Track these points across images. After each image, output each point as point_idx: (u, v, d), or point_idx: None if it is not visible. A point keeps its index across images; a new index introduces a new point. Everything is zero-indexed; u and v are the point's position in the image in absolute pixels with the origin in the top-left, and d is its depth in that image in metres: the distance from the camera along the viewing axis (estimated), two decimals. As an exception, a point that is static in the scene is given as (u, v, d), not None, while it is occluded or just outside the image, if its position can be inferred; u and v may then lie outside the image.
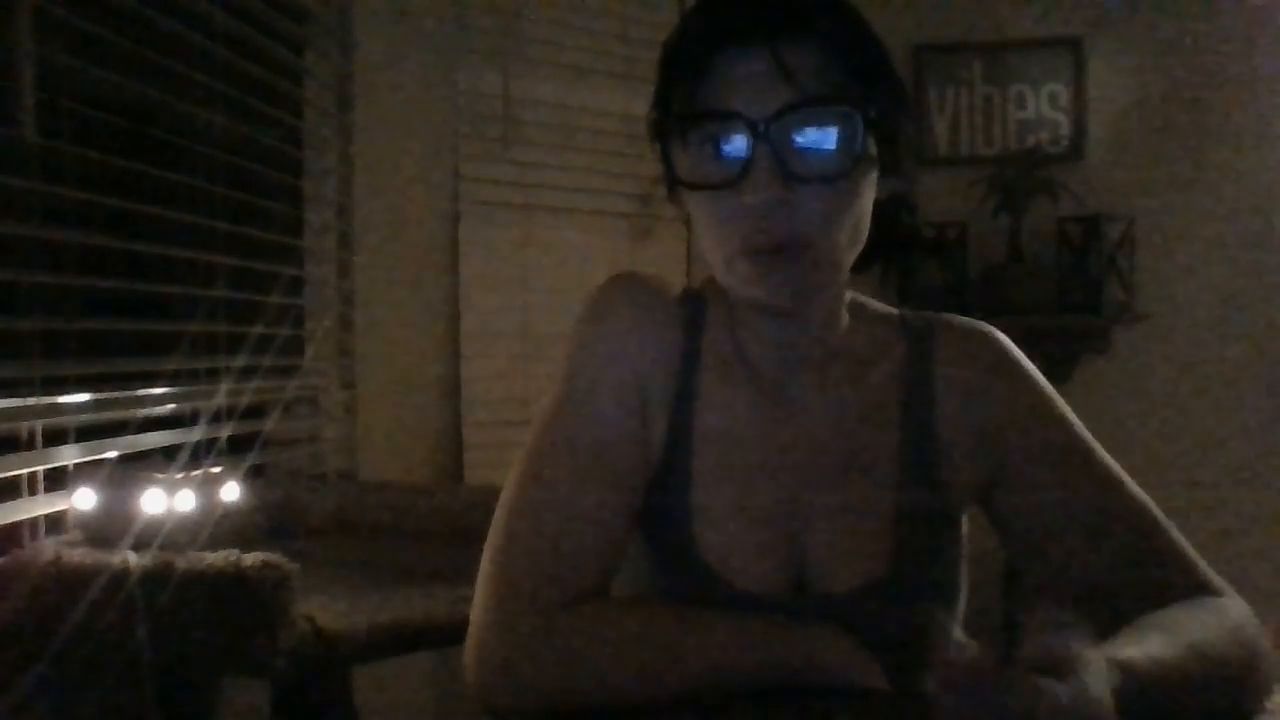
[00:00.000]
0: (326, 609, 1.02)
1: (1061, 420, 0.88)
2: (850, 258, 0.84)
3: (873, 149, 0.81)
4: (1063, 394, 0.91)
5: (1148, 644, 0.72)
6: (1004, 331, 0.93)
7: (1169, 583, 0.82)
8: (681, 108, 0.81)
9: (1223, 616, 0.79)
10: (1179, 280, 3.06)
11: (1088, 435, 0.88)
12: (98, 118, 1.35)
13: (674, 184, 0.84)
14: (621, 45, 2.58)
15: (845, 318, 0.91)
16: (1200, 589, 0.82)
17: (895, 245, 0.90)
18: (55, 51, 1.27)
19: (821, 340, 0.89)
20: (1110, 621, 0.76)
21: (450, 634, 1.07)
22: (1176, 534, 0.85)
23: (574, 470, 0.83)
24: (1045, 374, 0.92)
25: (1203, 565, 0.84)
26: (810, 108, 0.77)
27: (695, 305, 0.92)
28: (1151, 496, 0.87)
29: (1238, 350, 3.05)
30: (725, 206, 0.79)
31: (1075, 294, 2.91)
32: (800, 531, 0.86)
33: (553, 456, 0.84)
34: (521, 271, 2.42)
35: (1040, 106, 3.12)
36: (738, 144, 0.78)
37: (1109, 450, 0.88)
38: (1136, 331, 3.03)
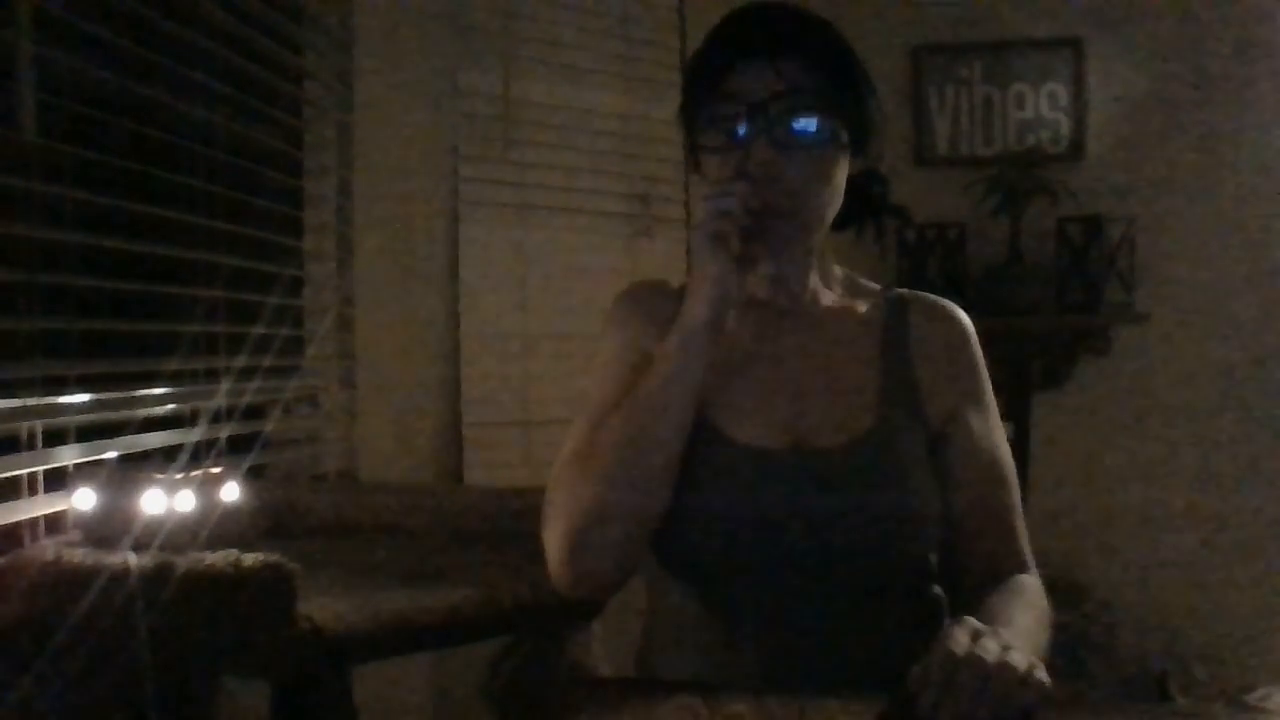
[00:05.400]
0: (326, 609, 1.01)
1: (990, 390, 1.13)
2: (828, 216, 1.08)
3: (843, 134, 1.05)
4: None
5: (1018, 624, 0.94)
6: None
7: (1007, 552, 1.08)
8: (705, 99, 1.06)
9: (1042, 595, 1.05)
10: (1179, 280, 3.06)
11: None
12: (98, 118, 1.35)
13: (697, 158, 1.09)
14: (621, 45, 2.58)
15: (835, 271, 1.17)
16: (1023, 565, 1.08)
17: (867, 210, 1.15)
18: (55, 51, 1.27)
19: (807, 276, 1.12)
20: (957, 570, 1.06)
21: (450, 634, 1.07)
22: (1020, 507, 1.11)
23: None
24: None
25: (1026, 541, 1.10)
26: (794, 95, 1.02)
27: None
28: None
29: (1238, 350, 3.05)
30: (730, 170, 1.03)
31: (1075, 294, 2.91)
32: (795, 404, 1.07)
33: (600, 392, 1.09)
34: (521, 271, 2.42)
35: (1040, 106, 3.12)
36: (742, 124, 1.03)
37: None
38: (1136, 331, 3.03)
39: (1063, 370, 3.00)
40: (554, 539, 1.00)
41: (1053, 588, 1.10)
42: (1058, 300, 2.92)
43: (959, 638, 0.82)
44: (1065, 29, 3.10)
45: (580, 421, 1.07)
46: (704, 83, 1.06)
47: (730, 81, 1.03)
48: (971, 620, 0.85)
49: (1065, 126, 3.10)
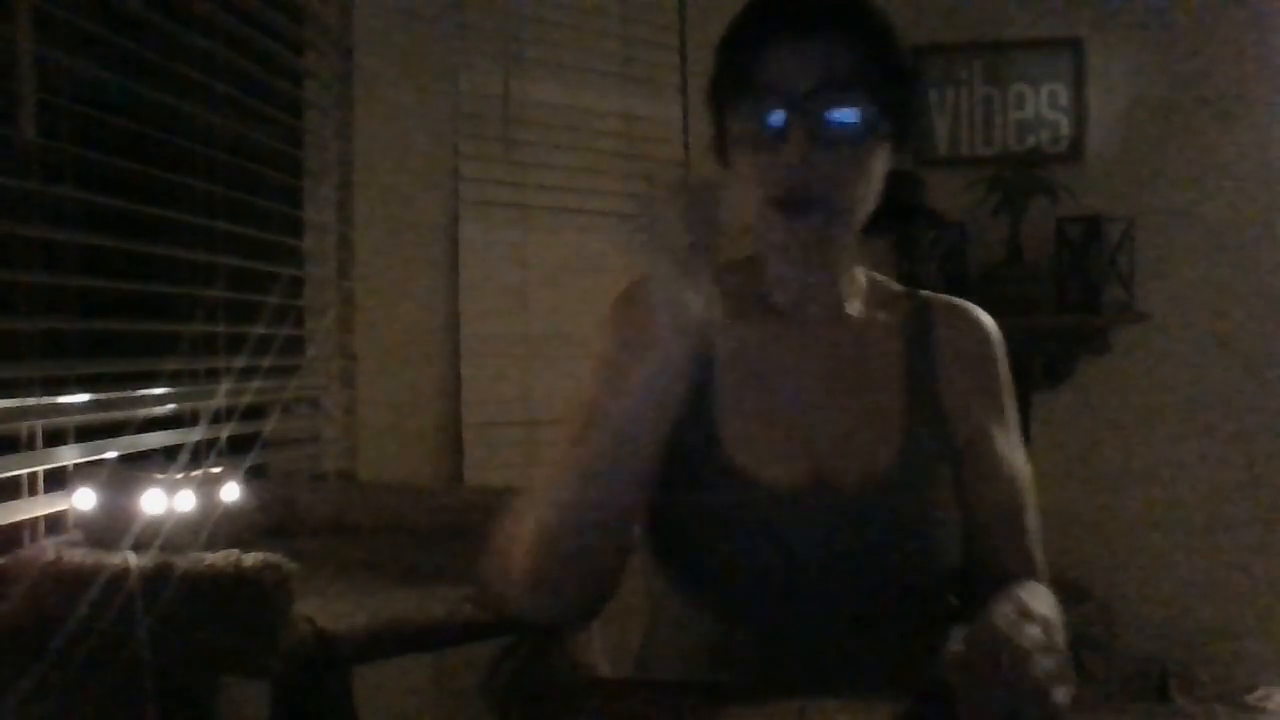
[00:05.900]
0: (326, 609, 1.02)
1: (1012, 400, 1.09)
2: (862, 214, 1.01)
3: (883, 126, 0.98)
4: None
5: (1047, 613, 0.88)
6: (1004, 331, 1.07)
7: (1023, 565, 1.05)
8: (740, 86, 0.99)
9: (1056, 602, 0.99)
10: (1179, 280, 3.06)
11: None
12: (98, 118, 1.35)
13: (724, 146, 1.03)
14: (621, 45, 2.57)
15: (859, 276, 1.10)
16: (1036, 573, 1.05)
17: (901, 215, 1.08)
18: (55, 51, 1.27)
19: (834, 282, 1.06)
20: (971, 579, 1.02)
21: (450, 634, 1.07)
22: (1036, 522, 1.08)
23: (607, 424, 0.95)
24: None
25: (1042, 555, 1.08)
26: (833, 84, 0.95)
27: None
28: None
29: (1237, 350, 3.04)
30: (765, 161, 0.97)
31: (1075, 294, 2.91)
32: (816, 434, 1.02)
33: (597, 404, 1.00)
34: (521, 271, 2.42)
35: (1040, 106, 3.11)
36: (779, 114, 0.96)
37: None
38: (1136, 331, 3.02)
39: (1062, 370, 2.99)
40: (517, 568, 0.93)
41: (1052, 587, 1.09)
42: (1057, 300, 2.92)
43: (1006, 611, 0.81)
44: (1065, 29, 3.09)
45: (573, 427, 1.01)
46: (736, 67, 1.00)
47: (765, 67, 0.97)
48: (1020, 596, 0.84)
49: (1065, 126, 3.10)
